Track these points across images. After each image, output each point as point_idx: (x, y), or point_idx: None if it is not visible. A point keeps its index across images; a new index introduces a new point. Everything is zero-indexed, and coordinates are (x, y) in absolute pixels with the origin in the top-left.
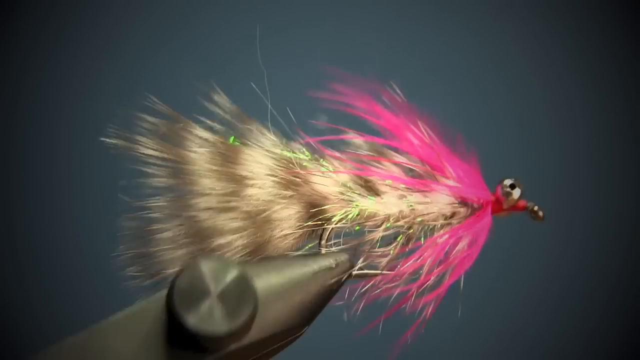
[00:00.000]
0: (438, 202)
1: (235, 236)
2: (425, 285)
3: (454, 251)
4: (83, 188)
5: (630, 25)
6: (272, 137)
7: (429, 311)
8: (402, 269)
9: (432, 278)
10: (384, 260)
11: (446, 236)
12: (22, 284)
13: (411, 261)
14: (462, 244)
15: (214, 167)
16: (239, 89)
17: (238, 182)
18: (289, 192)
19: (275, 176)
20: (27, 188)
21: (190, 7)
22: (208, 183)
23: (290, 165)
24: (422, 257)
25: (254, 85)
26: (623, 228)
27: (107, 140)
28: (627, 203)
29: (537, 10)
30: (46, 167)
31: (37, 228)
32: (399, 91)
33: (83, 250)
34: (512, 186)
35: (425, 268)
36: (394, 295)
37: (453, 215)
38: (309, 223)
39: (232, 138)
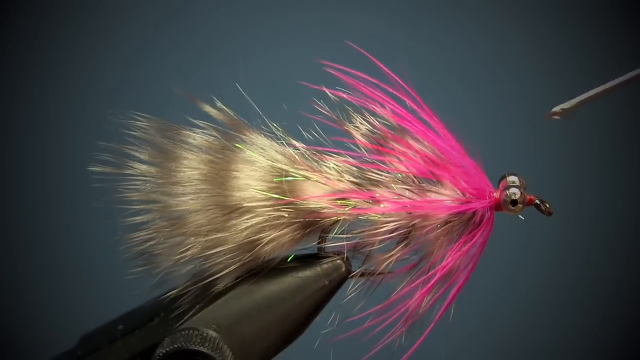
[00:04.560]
0: (439, 209)
1: (225, 259)
2: (428, 295)
3: (456, 261)
4: (80, 189)
5: (633, 25)
6: (265, 142)
7: (432, 319)
8: (403, 288)
9: (435, 289)
10: (383, 265)
11: (448, 250)
12: (20, 284)
13: (412, 276)
14: (464, 250)
15: (203, 203)
16: (235, 90)
17: (228, 210)
18: (282, 221)
19: (268, 205)
20: (23, 190)
21: (179, 5)
22: (196, 214)
23: (285, 190)
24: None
25: (246, 95)
26: (627, 228)
27: (95, 168)
28: (631, 201)
29: (547, 10)
30: (40, 169)
31: (33, 229)
32: (407, 85)
33: (81, 252)
34: (514, 202)
35: (427, 283)
36: (394, 300)
37: (455, 219)
38: (305, 239)
39: (238, 145)
